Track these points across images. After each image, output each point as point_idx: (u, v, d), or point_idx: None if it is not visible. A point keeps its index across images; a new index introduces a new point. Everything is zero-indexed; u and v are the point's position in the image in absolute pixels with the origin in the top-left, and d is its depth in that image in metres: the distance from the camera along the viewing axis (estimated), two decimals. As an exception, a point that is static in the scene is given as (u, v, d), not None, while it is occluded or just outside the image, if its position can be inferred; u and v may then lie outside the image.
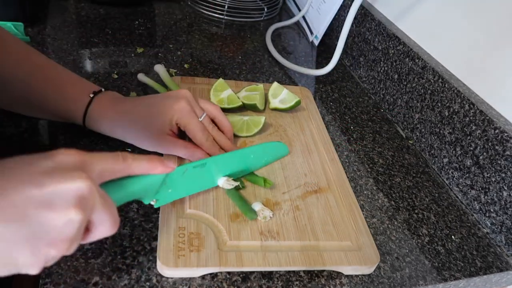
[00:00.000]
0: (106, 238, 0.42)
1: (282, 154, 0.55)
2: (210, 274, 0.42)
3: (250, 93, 0.62)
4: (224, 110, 0.60)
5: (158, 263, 0.40)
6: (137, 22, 0.82)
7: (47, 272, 0.38)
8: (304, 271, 0.44)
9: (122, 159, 0.34)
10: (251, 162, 0.51)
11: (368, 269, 0.45)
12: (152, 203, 0.42)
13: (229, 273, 0.42)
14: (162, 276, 0.40)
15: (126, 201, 0.38)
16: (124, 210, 0.45)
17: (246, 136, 0.57)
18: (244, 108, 0.62)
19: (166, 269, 0.39)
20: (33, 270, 0.28)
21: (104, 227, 0.32)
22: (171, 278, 0.40)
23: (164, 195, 0.42)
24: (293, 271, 0.44)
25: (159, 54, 0.74)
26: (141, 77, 0.64)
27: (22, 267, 0.27)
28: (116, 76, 0.65)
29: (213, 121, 0.53)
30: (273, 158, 0.54)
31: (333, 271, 0.45)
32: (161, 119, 0.48)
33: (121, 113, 0.49)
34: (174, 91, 0.51)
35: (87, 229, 0.32)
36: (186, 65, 0.73)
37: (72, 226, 0.28)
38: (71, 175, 0.28)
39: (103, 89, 0.51)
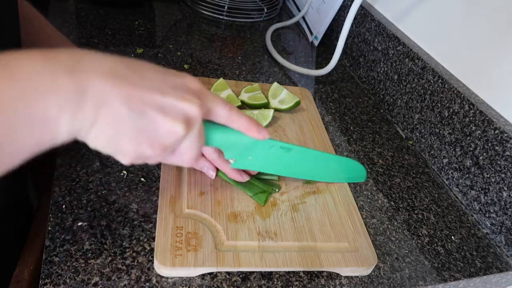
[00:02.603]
0: (106, 239, 0.42)
1: (358, 179, 0.55)
2: (210, 274, 0.42)
3: (252, 93, 0.62)
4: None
5: (155, 262, 0.40)
6: (136, 22, 0.82)
7: (47, 272, 0.38)
8: (303, 271, 0.44)
9: (229, 108, 0.38)
10: (329, 171, 0.52)
11: (365, 271, 0.45)
12: (231, 161, 0.44)
13: (228, 273, 0.42)
14: (162, 277, 0.40)
15: (214, 145, 0.41)
16: (123, 211, 0.45)
17: None
18: (244, 108, 0.62)
19: (163, 269, 0.39)
20: (125, 159, 0.33)
21: (186, 155, 0.36)
22: (171, 278, 0.40)
23: (244, 159, 0.44)
24: (293, 272, 0.44)
25: (159, 55, 0.74)
26: None
27: (119, 150, 0.32)
28: (116, 77, 0.65)
29: None
30: (347, 179, 0.54)
31: (332, 271, 0.45)
32: None
33: None
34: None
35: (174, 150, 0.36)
36: (186, 66, 0.73)
37: (173, 136, 0.33)
38: (189, 97, 0.33)
39: None
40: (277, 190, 0.50)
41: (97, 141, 0.31)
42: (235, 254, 0.42)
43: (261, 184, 0.49)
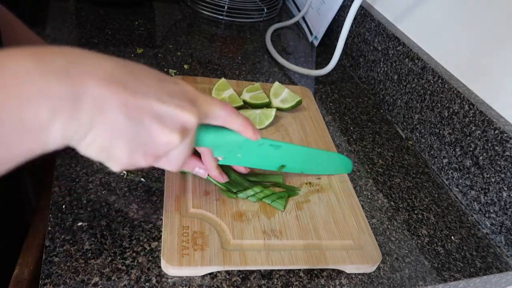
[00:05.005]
0: (106, 239, 0.42)
1: (344, 171, 0.55)
2: (210, 274, 0.42)
3: (254, 93, 0.62)
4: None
5: (163, 262, 0.40)
6: (136, 22, 0.82)
7: (47, 272, 0.38)
8: (303, 271, 0.44)
9: (227, 109, 0.37)
10: (317, 165, 0.52)
11: (370, 268, 0.45)
12: (219, 158, 0.44)
13: (228, 273, 0.42)
14: (162, 277, 0.40)
15: (205, 146, 0.41)
16: (123, 211, 0.45)
17: (260, 129, 0.59)
18: (247, 107, 0.62)
19: (171, 268, 0.39)
20: (117, 167, 0.32)
21: (174, 162, 0.35)
22: (171, 278, 0.40)
23: (232, 157, 0.44)
24: (293, 272, 0.44)
25: (159, 55, 0.74)
26: None
27: (112, 158, 0.31)
28: (116, 77, 0.65)
29: None
30: (334, 172, 0.55)
31: (333, 271, 0.45)
32: None
33: None
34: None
35: None
36: (185, 66, 0.73)
37: (168, 146, 0.32)
38: (187, 106, 0.32)
39: None
40: (298, 193, 0.51)
41: (90, 149, 0.30)
42: (241, 253, 0.42)
43: (253, 186, 0.49)
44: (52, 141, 0.27)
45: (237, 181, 0.48)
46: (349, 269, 0.45)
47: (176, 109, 0.31)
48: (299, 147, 0.50)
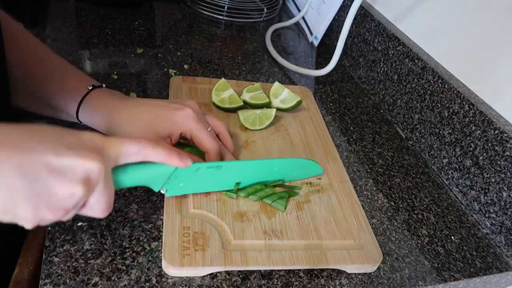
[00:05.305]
0: (106, 239, 0.42)
1: (315, 173, 0.53)
2: (210, 274, 0.42)
3: (254, 93, 0.62)
4: (226, 109, 0.60)
5: (164, 262, 0.40)
6: (136, 22, 0.82)
7: (46, 272, 0.38)
8: (303, 271, 0.44)
9: (140, 144, 0.36)
10: (274, 173, 0.50)
11: (371, 268, 0.45)
12: (162, 191, 0.43)
13: (228, 273, 0.42)
14: (162, 277, 0.40)
15: (135, 185, 0.40)
16: (123, 211, 0.45)
17: (260, 129, 0.59)
18: (247, 107, 0.62)
19: (172, 269, 0.39)
20: (27, 225, 0.31)
21: (97, 209, 0.35)
22: (171, 278, 0.40)
23: (175, 187, 0.43)
24: (293, 272, 0.44)
25: (159, 55, 0.74)
26: None
27: (19, 219, 0.31)
28: (115, 77, 0.65)
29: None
30: (304, 175, 0.53)
31: (333, 271, 0.45)
32: (164, 122, 0.45)
33: (118, 109, 0.46)
34: (180, 100, 0.49)
35: (82, 204, 0.34)
36: (185, 66, 0.73)
37: (72, 199, 0.31)
38: (87, 154, 0.32)
39: (104, 85, 0.49)
40: (298, 193, 0.50)
41: None
42: (242, 253, 0.42)
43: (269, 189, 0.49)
44: None
45: None
46: (350, 269, 0.45)
47: (75, 160, 0.31)
48: (241, 162, 0.47)
